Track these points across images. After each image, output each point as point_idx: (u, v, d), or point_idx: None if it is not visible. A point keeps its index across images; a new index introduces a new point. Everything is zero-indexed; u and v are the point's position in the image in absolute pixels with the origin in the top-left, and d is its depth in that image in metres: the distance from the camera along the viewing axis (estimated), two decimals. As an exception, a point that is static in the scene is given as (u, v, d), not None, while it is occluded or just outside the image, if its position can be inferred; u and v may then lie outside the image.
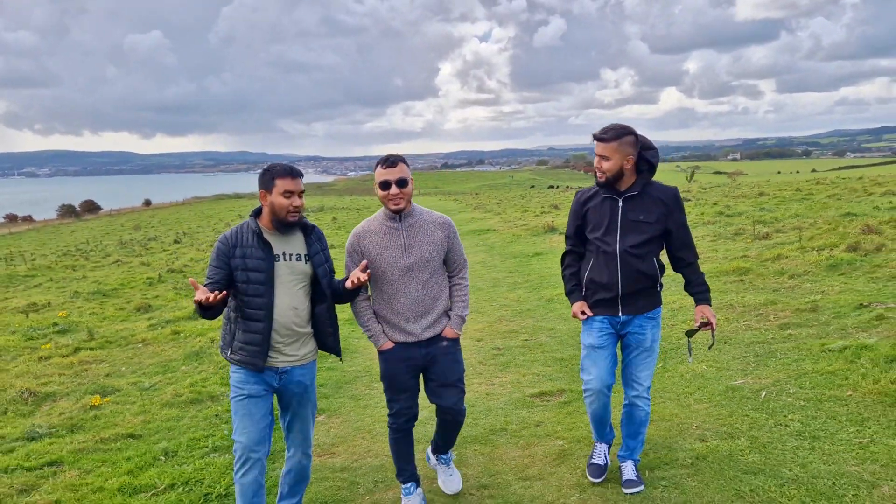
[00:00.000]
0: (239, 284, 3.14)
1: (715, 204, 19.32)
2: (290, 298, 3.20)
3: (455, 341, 3.55)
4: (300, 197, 3.16)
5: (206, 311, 3.00)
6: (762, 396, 4.55)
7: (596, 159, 3.38)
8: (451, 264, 3.57)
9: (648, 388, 3.51)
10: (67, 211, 69.70)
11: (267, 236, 3.19)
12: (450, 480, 3.78)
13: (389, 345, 3.47)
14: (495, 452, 4.19)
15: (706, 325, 3.39)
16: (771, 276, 8.16)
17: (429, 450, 3.96)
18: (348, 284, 3.22)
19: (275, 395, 3.32)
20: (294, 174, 3.15)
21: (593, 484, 3.65)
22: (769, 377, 4.89)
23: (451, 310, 3.56)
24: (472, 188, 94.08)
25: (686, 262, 3.48)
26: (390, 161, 3.34)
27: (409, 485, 3.68)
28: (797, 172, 72.05)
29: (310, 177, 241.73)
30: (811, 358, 5.13)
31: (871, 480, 3.32)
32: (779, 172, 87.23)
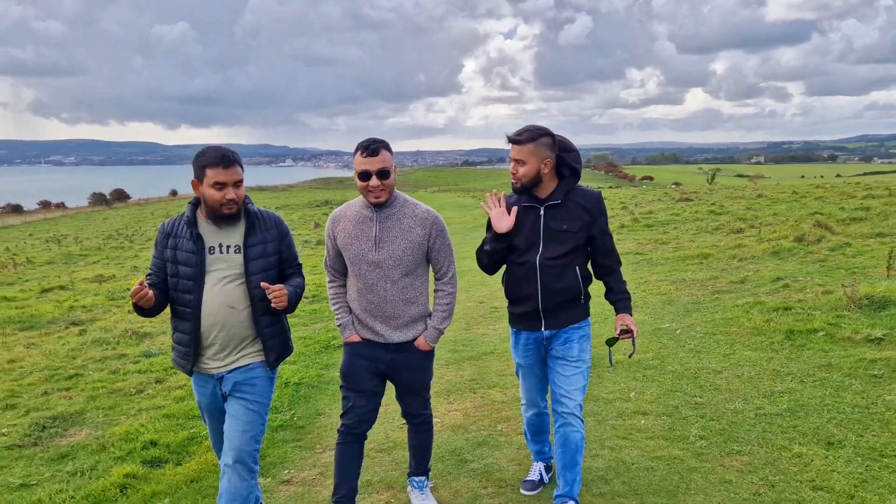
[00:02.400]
0: (169, 278, 2.86)
1: (712, 204, 20.87)
2: (227, 297, 2.81)
3: (426, 353, 3.21)
4: (237, 187, 2.77)
5: (142, 309, 2.75)
6: (677, 333, 6.32)
7: (511, 164, 3.12)
8: (434, 266, 3.19)
9: (580, 406, 3.19)
10: (98, 199, 72.52)
11: (202, 227, 2.85)
12: None
13: (356, 338, 3.18)
14: (483, 364, 5.99)
15: (627, 332, 3.17)
16: (725, 260, 9.89)
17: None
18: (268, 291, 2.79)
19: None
20: (226, 162, 2.72)
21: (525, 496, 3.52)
22: (688, 322, 6.66)
23: (429, 317, 3.22)
24: (491, 186, 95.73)
25: (609, 269, 3.29)
26: (371, 148, 2.91)
27: None
28: (821, 177, 72.81)
29: (330, 171, 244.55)
30: (722, 310, 6.89)
31: (718, 370, 5.14)
32: (802, 177, 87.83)
